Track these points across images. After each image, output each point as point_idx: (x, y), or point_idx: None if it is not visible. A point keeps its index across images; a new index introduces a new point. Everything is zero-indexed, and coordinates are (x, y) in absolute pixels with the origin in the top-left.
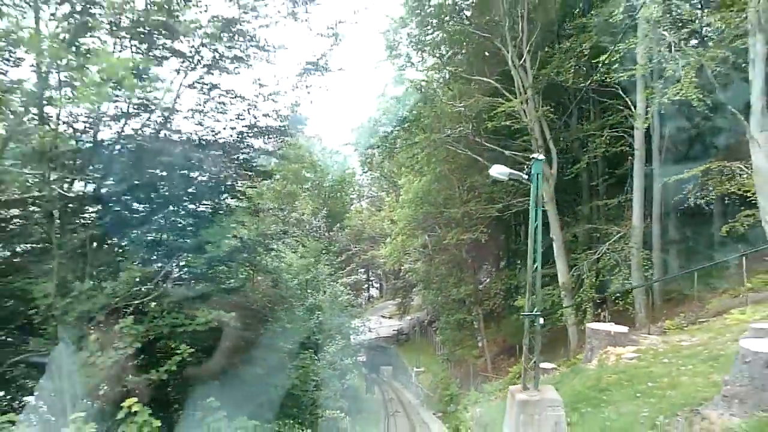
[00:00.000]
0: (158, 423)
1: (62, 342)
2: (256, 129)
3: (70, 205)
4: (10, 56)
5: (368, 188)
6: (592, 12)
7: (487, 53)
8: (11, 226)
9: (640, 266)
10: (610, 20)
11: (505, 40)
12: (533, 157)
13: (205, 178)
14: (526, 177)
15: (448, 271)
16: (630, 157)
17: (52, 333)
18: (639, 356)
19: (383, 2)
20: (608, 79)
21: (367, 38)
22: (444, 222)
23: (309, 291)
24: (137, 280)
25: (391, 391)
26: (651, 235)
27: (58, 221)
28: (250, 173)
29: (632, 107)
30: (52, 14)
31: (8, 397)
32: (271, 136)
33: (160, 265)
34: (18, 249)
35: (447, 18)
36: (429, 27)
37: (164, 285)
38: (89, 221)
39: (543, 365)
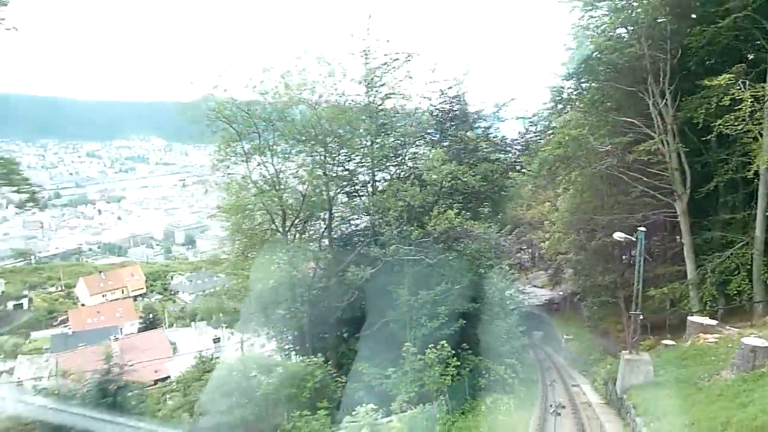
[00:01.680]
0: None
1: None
2: None
3: None
4: None
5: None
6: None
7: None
8: None
9: (759, 270)
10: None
11: (647, 89)
12: (639, 229)
13: None
14: (634, 239)
15: (596, 260)
16: (756, 179)
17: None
18: (716, 341)
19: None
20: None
21: None
22: (594, 224)
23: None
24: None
25: (543, 353)
26: None
27: None
28: None
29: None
30: None
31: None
32: None
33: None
34: None
35: (601, 72)
36: (587, 81)
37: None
38: None
39: (666, 342)
